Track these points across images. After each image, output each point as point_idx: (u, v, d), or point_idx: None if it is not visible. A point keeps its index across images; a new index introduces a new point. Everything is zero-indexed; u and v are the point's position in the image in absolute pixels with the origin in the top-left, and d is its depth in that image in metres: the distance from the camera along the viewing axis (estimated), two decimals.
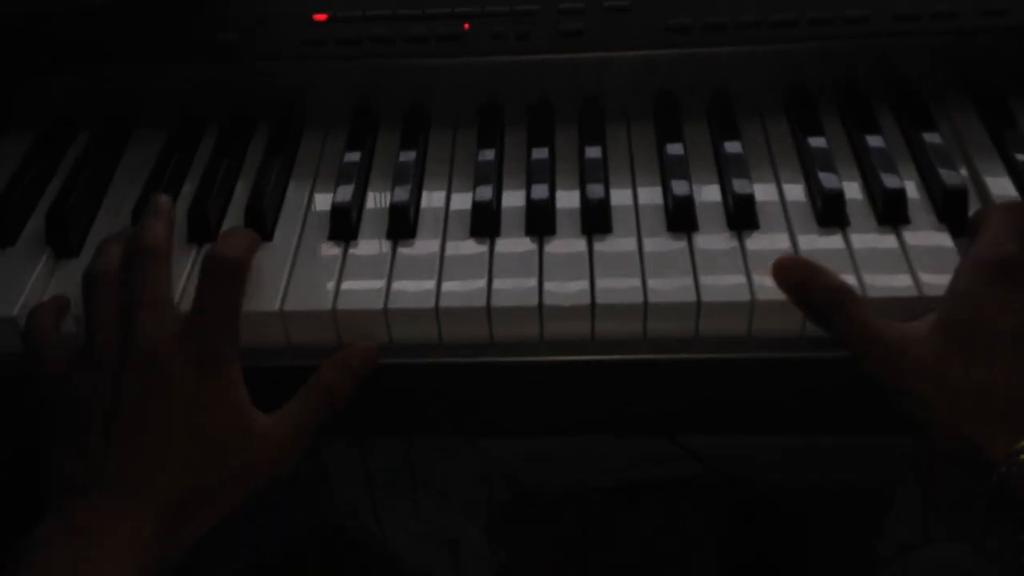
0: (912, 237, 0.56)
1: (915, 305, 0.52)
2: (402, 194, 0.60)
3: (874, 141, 0.61)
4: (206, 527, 0.51)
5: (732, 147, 0.62)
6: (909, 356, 0.48)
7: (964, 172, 0.60)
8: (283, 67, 0.66)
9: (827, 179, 0.59)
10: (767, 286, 0.54)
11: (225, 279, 0.52)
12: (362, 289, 0.56)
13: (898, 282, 0.54)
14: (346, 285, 0.56)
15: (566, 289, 0.55)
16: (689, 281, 0.55)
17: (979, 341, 0.47)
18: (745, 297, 0.54)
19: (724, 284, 0.55)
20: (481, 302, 0.54)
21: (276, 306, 0.55)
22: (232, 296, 0.52)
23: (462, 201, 0.61)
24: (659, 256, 0.56)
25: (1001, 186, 0.59)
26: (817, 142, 0.62)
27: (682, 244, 0.57)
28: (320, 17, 0.65)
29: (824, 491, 0.93)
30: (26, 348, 0.55)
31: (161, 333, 0.50)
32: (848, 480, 0.92)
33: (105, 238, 0.56)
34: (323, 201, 0.62)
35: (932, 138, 0.61)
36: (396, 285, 0.56)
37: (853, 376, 0.52)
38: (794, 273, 0.53)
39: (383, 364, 0.55)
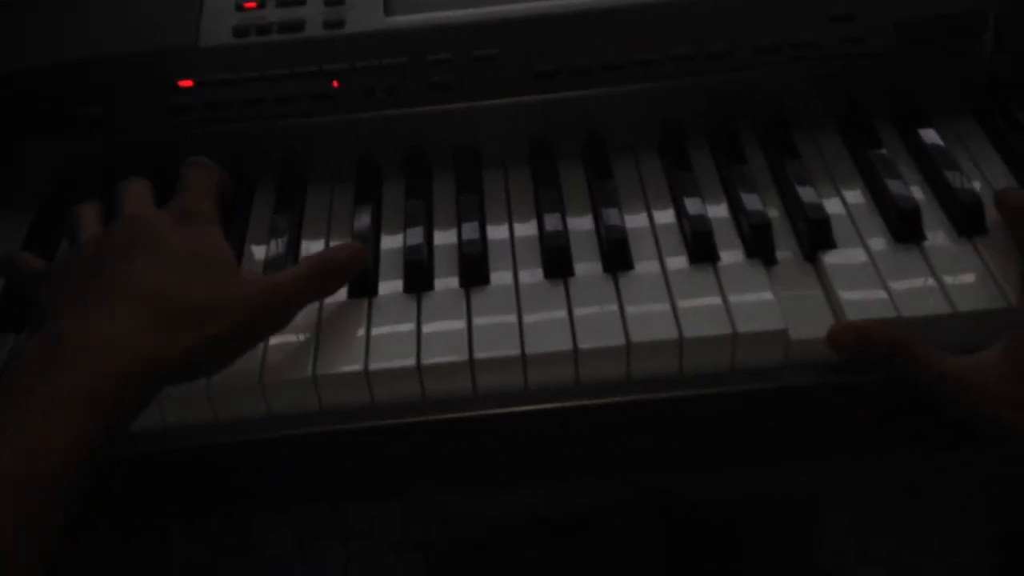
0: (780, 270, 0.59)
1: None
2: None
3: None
4: (192, 359, 0.49)
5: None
6: (987, 387, 0.50)
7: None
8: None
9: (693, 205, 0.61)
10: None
11: (202, 166, 0.59)
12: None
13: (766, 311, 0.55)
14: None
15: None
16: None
17: None
18: (621, 341, 0.55)
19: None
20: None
21: None
22: (209, 177, 0.58)
23: None
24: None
25: (862, 207, 0.62)
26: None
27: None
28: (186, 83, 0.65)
29: (757, 499, 0.92)
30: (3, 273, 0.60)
31: (146, 205, 0.56)
32: (782, 486, 0.91)
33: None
34: None
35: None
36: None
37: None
38: (848, 338, 0.54)
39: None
